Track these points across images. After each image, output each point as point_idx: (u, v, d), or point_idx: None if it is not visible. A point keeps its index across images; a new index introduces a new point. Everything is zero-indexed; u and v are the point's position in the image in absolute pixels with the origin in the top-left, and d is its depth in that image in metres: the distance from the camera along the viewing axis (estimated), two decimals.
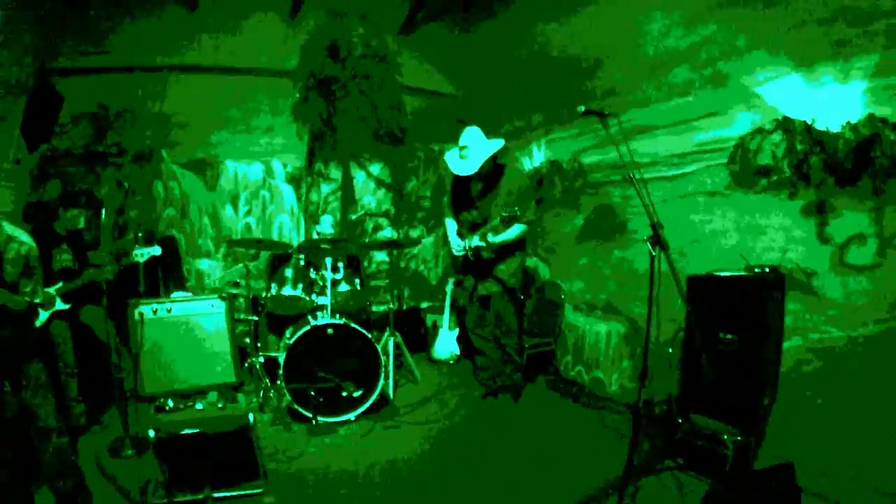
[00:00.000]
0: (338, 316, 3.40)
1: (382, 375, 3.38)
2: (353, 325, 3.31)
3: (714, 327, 2.69)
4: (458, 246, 3.54)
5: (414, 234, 5.30)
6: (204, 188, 4.79)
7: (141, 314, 2.76)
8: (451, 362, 4.58)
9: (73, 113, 4.47)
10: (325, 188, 4.98)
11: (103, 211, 4.68)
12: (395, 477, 2.73)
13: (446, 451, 3.02)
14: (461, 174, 3.34)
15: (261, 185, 4.87)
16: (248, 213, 4.85)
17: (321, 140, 4.82)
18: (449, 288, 4.74)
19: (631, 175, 2.31)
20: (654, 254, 2.20)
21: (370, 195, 5.14)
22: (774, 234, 2.82)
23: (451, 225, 3.70)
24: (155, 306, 2.82)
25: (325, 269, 3.52)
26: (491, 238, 3.30)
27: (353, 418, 3.33)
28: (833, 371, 2.50)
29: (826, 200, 2.57)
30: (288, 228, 4.92)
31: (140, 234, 4.19)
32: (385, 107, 4.70)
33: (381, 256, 5.25)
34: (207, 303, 2.95)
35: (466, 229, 3.56)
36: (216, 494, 2.51)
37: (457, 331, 4.63)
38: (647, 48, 3.46)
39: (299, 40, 4.83)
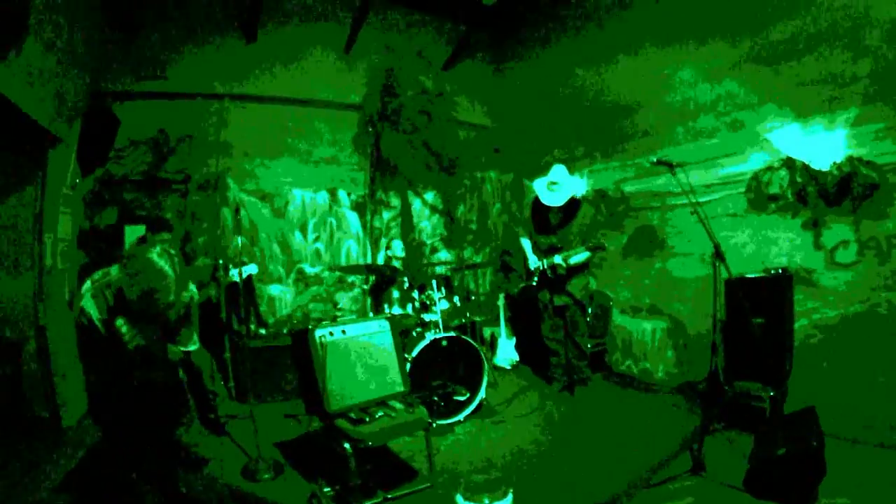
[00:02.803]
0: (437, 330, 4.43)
1: (485, 380, 4.47)
2: (464, 336, 4.43)
3: (744, 314, 4.10)
4: (534, 262, 4.84)
5: (465, 254, 6.60)
6: (272, 215, 5.83)
7: (322, 338, 3.22)
8: (509, 367, 5.85)
9: (131, 138, 5.10)
10: (387, 215, 6.25)
11: None
12: (525, 457, 3.72)
13: (552, 433, 4.15)
14: (551, 205, 4.59)
15: (327, 212, 6.04)
16: (317, 239, 6.01)
17: (381, 170, 6.09)
18: (500, 302, 6.07)
19: (696, 210, 3.47)
20: (716, 265, 3.48)
21: (426, 220, 6.45)
22: (782, 244, 4.27)
23: (527, 244, 4.97)
24: (331, 329, 3.30)
25: (433, 289, 4.69)
26: (571, 260, 4.61)
27: (462, 419, 4.30)
28: (832, 341, 3.94)
29: (819, 218, 4.03)
30: (355, 253, 6.11)
31: (220, 262, 5.24)
32: (439, 140, 6.03)
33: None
34: (375, 323, 3.55)
35: (542, 251, 4.84)
36: (390, 495, 3.14)
37: (514, 340, 5.93)
38: (677, 97, 4.95)
39: (355, 74, 6.06)
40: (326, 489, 3.17)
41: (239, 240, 3.97)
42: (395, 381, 3.50)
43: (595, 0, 5.66)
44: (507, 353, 5.87)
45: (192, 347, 2.68)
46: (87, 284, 2.40)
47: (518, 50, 6.67)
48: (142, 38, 5.21)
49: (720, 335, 4.39)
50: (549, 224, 4.82)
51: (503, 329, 5.93)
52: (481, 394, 4.51)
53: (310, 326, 3.29)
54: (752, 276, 4.17)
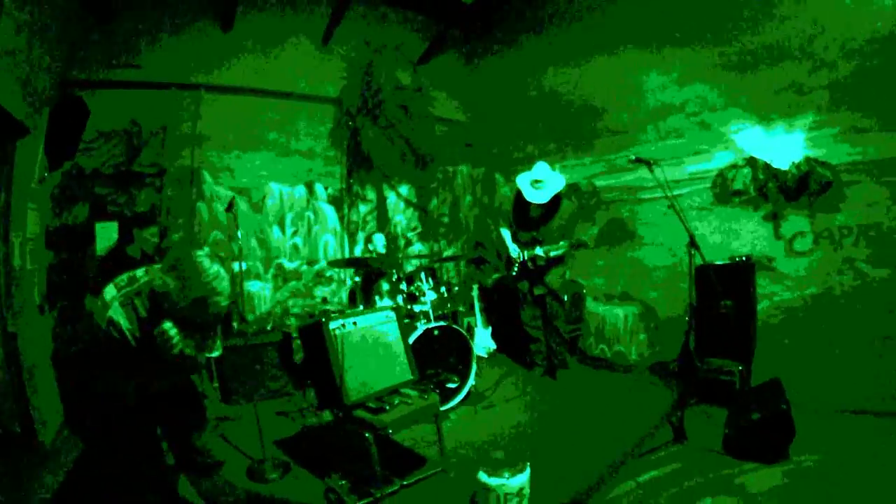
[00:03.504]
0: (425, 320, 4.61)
1: (474, 367, 4.72)
2: (454, 326, 4.65)
3: (715, 297, 4.55)
4: (516, 253, 5.11)
5: (438, 247, 6.79)
6: (250, 210, 5.78)
7: (336, 330, 3.30)
8: (486, 356, 6.11)
9: (101, 129, 4.93)
10: (363, 208, 6.34)
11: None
12: (522, 437, 4.01)
13: (541, 414, 4.46)
14: (537, 202, 4.84)
15: (305, 206, 6.06)
16: (295, 233, 6.01)
17: (358, 164, 6.17)
18: (474, 293, 6.32)
19: (673, 203, 3.93)
20: (692, 253, 3.91)
21: (400, 214, 6.60)
22: (746, 235, 4.77)
23: (507, 235, 5.25)
24: (342, 321, 3.38)
25: (421, 281, 4.86)
26: (551, 253, 4.92)
27: (454, 405, 4.49)
28: (791, 320, 4.47)
29: (779, 211, 4.55)
30: (333, 248, 6.16)
31: None
32: (417, 135, 6.19)
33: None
34: (382, 314, 3.67)
35: (523, 243, 5.12)
36: (406, 482, 3.25)
37: (490, 329, 6.19)
38: (648, 99, 5.37)
39: (332, 67, 6.11)
40: (341, 482, 3.22)
41: (239, 234, 3.92)
42: (403, 369, 3.62)
43: (568, 2, 5.97)
44: (483, 341, 6.13)
45: (215, 353, 2.59)
46: (112, 291, 2.19)
47: (492, 47, 6.95)
48: (115, 24, 5.02)
49: (693, 318, 4.86)
50: (531, 219, 5.10)
51: (479, 318, 6.18)
52: (471, 381, 4.74)
53: (322, 319, 3.33)
54: (720, 263, 4.63)
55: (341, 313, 3.60)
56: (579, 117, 5.97)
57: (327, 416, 4.44)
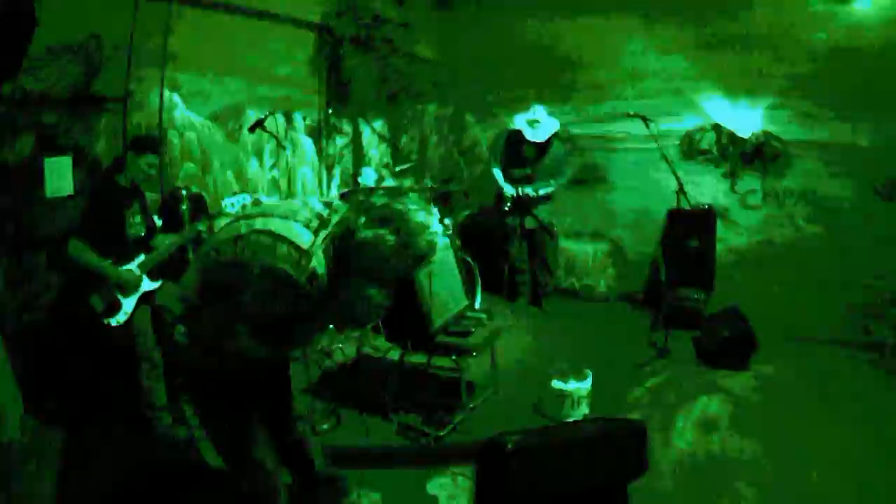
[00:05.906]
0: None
1: (479, 297, 5.61)
2: (467, 258, 5.47)
3: (682, 237, 5.92)
4: (510, 190, 6.06)
5: (406, 183, 7.36)
6: (226, 140, 5.80)
7: None
8: None
9: (50, 45, 4.49)
10: (340, 141, 6.67)
11: None
12: (540, 356, 5.07)
13: (544, 337, 5.60)
14: (534, 140, 5.86)
15: (283, 136, 6.19)
16: (274, 165, 6.18)
17: (336, 95, 6.44)
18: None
19: (664, 155, 5.21)
20: (681, 197, 5.19)
21: (374, 149, 7.03)
22: (707, 187, 6.21)
23: (498, 174, 6.22)
24: None
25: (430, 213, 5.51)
26: (540, 191, 5.95)
27: None
28: (741, 261, 6.06)
29: (736, 171, 6.02)
30: (311, 181, 6.45)
31: (184, 192, 5.23)
32: (400, 70, 6.61)
33: None
34: (441, 241, 3.96)
35: (515, 179, 6.09)
36: (472, 405, 3.81)
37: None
38: (627, 60, 6.46)
39: None
40: (410, 416, 3.59)
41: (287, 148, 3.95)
42: (461, 295, 4.08)
43: None
44: None
45: None
46: (306, 234, 1.84)
47: None
48: None
49: (662, 253, 6.26)
50: (524, 157, 6.08)
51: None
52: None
53: None
54: (686, 208, 5.97)
55: None
56: (559, 69, 6.89)
57: (350, 352, 5.02)
